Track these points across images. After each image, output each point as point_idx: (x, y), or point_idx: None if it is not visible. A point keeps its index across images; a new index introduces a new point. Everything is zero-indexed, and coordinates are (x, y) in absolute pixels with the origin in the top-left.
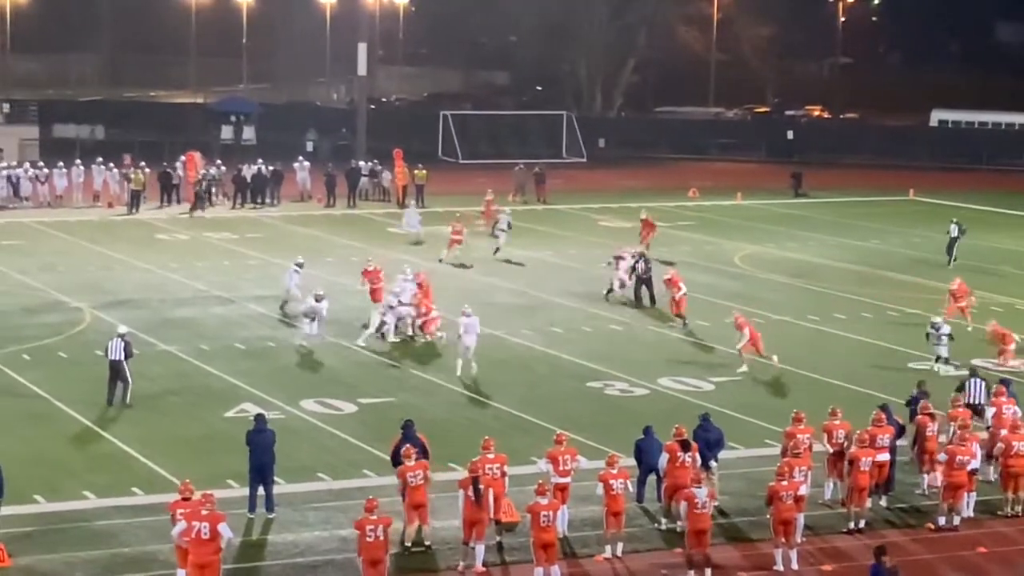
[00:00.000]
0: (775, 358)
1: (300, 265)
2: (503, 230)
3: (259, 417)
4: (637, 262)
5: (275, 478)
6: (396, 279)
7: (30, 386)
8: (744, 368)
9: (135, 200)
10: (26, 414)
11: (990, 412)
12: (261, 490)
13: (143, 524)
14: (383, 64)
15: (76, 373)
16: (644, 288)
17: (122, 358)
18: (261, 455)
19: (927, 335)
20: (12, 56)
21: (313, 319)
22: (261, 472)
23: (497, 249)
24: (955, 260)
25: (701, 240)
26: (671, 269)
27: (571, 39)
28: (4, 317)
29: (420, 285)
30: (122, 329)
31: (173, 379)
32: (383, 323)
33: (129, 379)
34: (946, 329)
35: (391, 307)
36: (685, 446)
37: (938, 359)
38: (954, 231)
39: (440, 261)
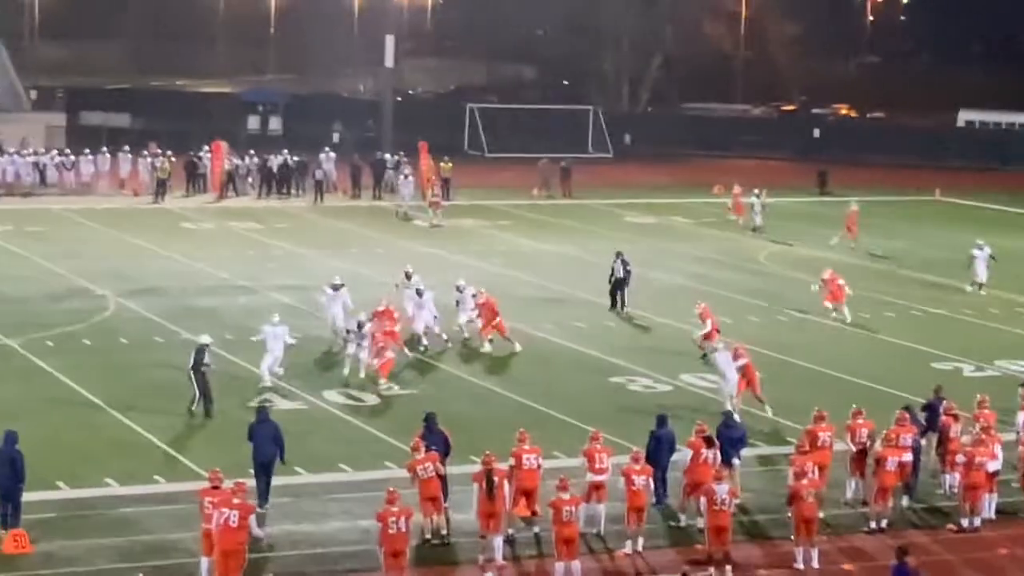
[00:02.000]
0: (769, 410)
1: (337, 287)
2: (758, 213)
3: (261, 409)
4: (615, 261)
5: (297, 469)
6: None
7: (53, 372)
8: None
9: (161, 188)
10: (49, 400)
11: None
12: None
13: (164, 512)
14: (410, 56)
15: (99, 360)
16: (618, 290)
17: (195, 365)
18: (265, 447)
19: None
20: (40, 43)
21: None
22: (265, 464)
23: (755, 228)
24: (981, 285)
25: (725, 237)
26: (700, 304)
27: (598, 34)
28: (28, 303)
29: (485, 304)
30: (204, 339)
31: None
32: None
33: (197, 390)
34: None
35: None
36: (709, 443)
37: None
38: (981, 253)
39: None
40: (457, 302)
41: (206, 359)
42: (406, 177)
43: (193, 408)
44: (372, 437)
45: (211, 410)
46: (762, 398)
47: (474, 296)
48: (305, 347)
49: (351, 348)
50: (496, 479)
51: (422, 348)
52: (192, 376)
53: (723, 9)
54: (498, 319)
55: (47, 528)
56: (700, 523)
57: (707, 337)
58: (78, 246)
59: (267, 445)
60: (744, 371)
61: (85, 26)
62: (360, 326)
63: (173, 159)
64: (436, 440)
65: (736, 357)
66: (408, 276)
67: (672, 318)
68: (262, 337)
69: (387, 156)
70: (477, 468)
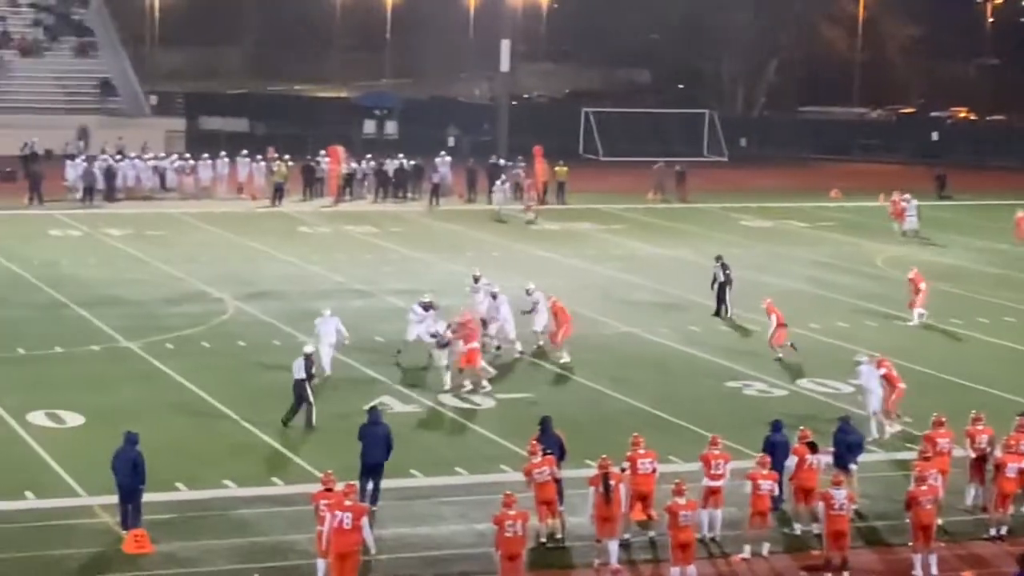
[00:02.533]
0: (898, 426)
1: (427, 306)
2: (912, 215)
3: (372, 411)
4: (716, 266)
5: (412, 471)
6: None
7: (173, 375)
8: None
9: (278, 193)
10: (168, 403)
11: None
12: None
13: (281, 514)
14: (525, 61)
15: (218, 363)
16: (722, 295)
17: (304, 377)
18: (374, 450)
19: None
20: (160, 49)
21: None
22: (374, 466)
23: (905, 232)
24: None
25: (842, 241)
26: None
27: (714, 38)
28: (148, 306)
29: (554, 308)
30: (308, 348)
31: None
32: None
33: (311, 400)
34: None
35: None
36: (812, 448)
37: None
38: None
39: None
40: (533, 307)
41: (313, 369)
42: (502, 182)
43: (289, 420)
44: (487, 440)
45: (312, 418)
46: (898, 413)
47: (544, 300)
48: (420, 350)
49: (442, 359)
50: (612, 483)
51: (495, 349)
52: (305, 386)
53: (841, 12)
54: (565, 326)
55: (167, 529)
56: (816, 528)
57: (774, 340)
58: (196, 250)
59: (377, 447)
60: (887, 381)
61: (204, 33)
62: (435, 336)
63: (290, 163)
64: (551, 443)
65: (879, 367)
66: (476, 279)
67: (788, 322)
68: (316, 332)
69: (501, 160)
70: (591, 472)
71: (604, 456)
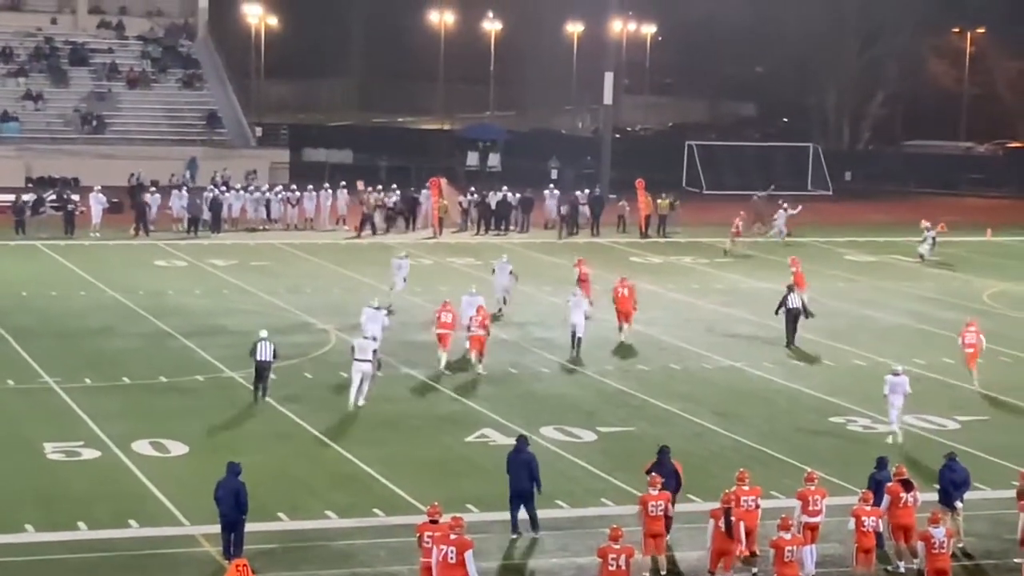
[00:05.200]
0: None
1: (378, 308)
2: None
3: (520, 438)
4: (790, 293)
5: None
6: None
7: (276, 405)
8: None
9: (370, 223)
10: (272, 433)
11: None
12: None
13: (383, 545)
14: (629, 93)
15: (321, 393)
16: (791, 324)
17: (270, 359)
18: (518, 476)
19: None
20: (265, 81)
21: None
22: (520, 494)
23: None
24: None
25: (949, 276)
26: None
27: (819, 71)
28: (252, 336)
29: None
30: (263, 333)
31: (415, 401)
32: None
33: (270, 378)
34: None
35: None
36: (907, 486)
37: None
38: None
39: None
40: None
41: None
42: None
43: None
44: (589, 473)
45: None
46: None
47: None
48: (522, 383)
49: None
50: (734, 518)
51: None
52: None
53: (947, 46)
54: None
55: (269, 559)
56: (915, 564)
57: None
58: (300, 280)
59: (520, 475)
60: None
61: (309, 65)
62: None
63: (375, 195)
64: (667, 473)
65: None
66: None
67: (891, 357)
68: (362, 319)
69: (597, 191)
70: (692, 507)
71: (727, 491)
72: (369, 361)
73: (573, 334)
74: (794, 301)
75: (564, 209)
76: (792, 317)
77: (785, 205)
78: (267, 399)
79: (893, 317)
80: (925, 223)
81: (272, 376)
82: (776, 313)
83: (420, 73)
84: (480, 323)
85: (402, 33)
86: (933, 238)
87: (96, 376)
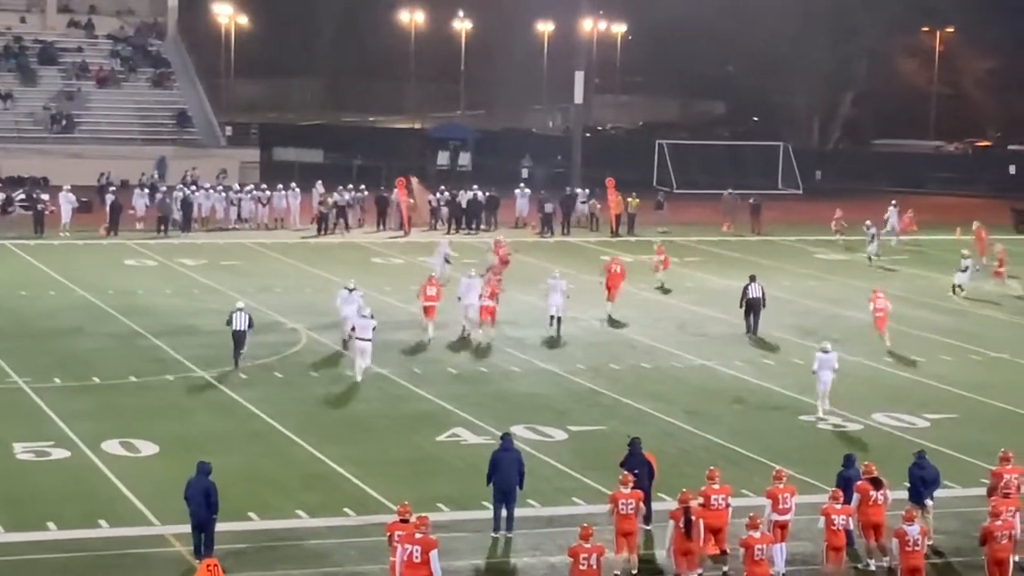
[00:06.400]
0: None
1: (352, 289)
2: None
3: (506, 436)
4: (750, 284)
5: (484, 503)
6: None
7: (246, 404)
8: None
9: (324, 223)
10: (242, 432)
11: None
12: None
13: (354, 544)
14: (599, 92)
15: (291, 393)
16: (750, 313)
17: (246, 328)
18: (507, 473)
19: None
20: (235, 81)
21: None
22: (506, 491)
23: (870, 258)
24: None
25: (915, 274)
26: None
27: (789, 70)
28: (222, 336)
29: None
30: (240, 304)
31: (386, 401)
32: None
33: (246, 345)
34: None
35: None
36: (877, 484)
37: None
38: None
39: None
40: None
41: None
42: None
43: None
44: (560, 472)
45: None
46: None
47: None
48: (493, 382)
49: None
50: (694, 517)
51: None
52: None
53: (917, 45)
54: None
55: (239, 559)
56: (886, 562)
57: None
58: (271, 280)
59: (509, 472)
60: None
61: (279, 65)
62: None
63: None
64: (641, 464)
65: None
66: (350, 289)
67: (863, 356)
68: (337, 302)
69: (578, 191)
70: (665, 505)
71: (685, 490)
72: (370, 340)
73: (552, 316)
74: (754, 291)
75: (549, 207)
76: (751, 306)
77: (894, 201)
78: (241, 374)
79: (863, 316)
80: (867, 222)
81: (244, 350)
82: (740, 306)
83: (391, 72)
84: (490, 294)
85: (372, 32)
86: (874, 235)
87: (66, 376)
